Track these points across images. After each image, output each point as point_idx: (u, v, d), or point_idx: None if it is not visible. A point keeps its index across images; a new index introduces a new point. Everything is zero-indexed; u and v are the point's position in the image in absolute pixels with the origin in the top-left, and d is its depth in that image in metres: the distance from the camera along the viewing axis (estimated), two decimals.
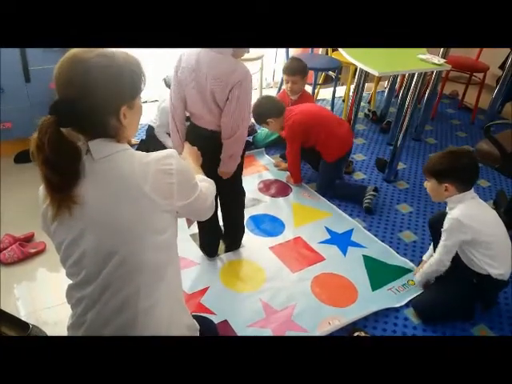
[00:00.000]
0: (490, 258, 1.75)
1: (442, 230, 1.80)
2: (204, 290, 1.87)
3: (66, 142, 0.91)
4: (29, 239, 2.07)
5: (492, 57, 3.84)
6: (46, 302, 1.78)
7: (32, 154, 0.92)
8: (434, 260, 1.84)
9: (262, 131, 3.04)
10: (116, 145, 0.98)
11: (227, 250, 2.12)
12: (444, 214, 1.86)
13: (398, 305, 1.88)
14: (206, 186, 1.20)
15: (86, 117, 0.92)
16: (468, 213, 1.75)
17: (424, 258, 2.05)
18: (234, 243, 2.13)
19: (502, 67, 3.76)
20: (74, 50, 0.92)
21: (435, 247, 1.99)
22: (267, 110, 2.54)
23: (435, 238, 2.00)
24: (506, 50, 3.60)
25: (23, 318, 1.63)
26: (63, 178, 0.91)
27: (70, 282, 1.04)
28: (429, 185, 1.86)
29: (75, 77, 0.90)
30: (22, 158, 2.61)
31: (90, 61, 0.90)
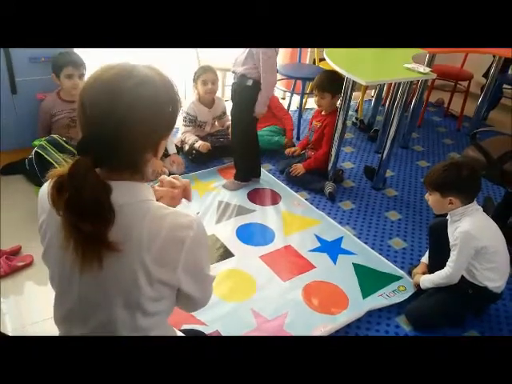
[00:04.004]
0: (491, 270, 1.75)
1: (452, 244, 1.78)
2: None
3: (104, 185, 0.81)
4: (16, 252, 2.04)
5: (476, 65, 3.91)
6: (33, 316, 1.75)
7: (52, 197, 0.81)
8: (445, 274, 1.80)
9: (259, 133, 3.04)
10: (136, 192, 0.88)
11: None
12: (445, 221, 1.86)
13: (389, 303, 1.91)
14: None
15: (124, 154, 0.83)
16: (477, 225, 1.74)
17: (423, 259, 2.06)
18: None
19: (485, 75, 3.83)
20: (106, 76, 0.81)
21: (432, 253, 2.00)
22: (339, 84, 2.60)
23: (433, 244, 2.00)
24: (489, 59, 3.67)
25: (10, 334, 1.60)
26: (100, 224, 0.80)
27: (53, 304, 1.01)
28: (431, 198, 1.84)
29: (116, 109, 0.80)
30: (8, 170, 2.58)
31: (133, 91, 0.81)
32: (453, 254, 1.78)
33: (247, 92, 2.40)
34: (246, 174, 2.71)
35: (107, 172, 0.84)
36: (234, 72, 2.43)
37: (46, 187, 0.89)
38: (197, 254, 0.91)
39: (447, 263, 1.80)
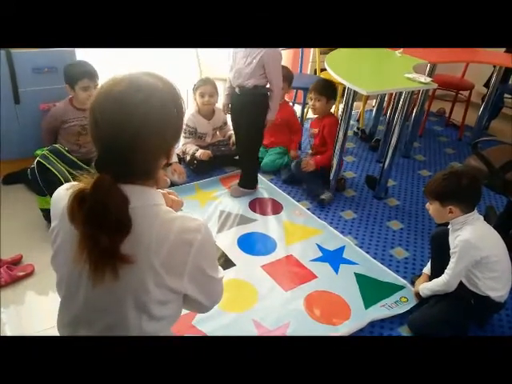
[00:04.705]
0: (493, 279, 1.73)
1: (451, 252, 1.78)
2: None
3: (125, 199, 0.83)
4: (16, 262, 2.03)
5: (477, 75, 3.93)
6: (34, 326, 1.74)
7: (72, 210, 0.83)
8: (443, 281, 1.80)
9: (269, 158, 3.05)
10: (148, 196, 0.90)
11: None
12: (446, 231, 1.86)
13: (391, 314, 1.90)
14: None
15: (139, 165, 0.87)
16: (477, 234, 1.73)
17: (425, 270, 2.04)
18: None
19: (486, 85, 3.85)
20: (117, 91, 0.83)
21: (434, 262, 1.99)
22: (334, 90, 2.79)
23: (435, 253, 1.99)
24: (490, 69, 3.68)
25: None
26: (116, 237, 0.82)
27: (58, 309, 1.01)
28: (431, 207, 1.84)
29: (130, 123, 0.82)
30: (10, 179, 2.59)
31: (143, 104, 0.83)
32: (451, 262, 1.77)
33: (262, 101, 2.45)
34: (255, 181, 2.76)
35: (123, 180, 0.86)
36: (239, 86, 2.42)
37: (59, 193, 0.93)
38: (204, 257, 0.92)
39: (445, 270, 1.80)
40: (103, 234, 0.81)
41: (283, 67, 3.05)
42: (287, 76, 2.99)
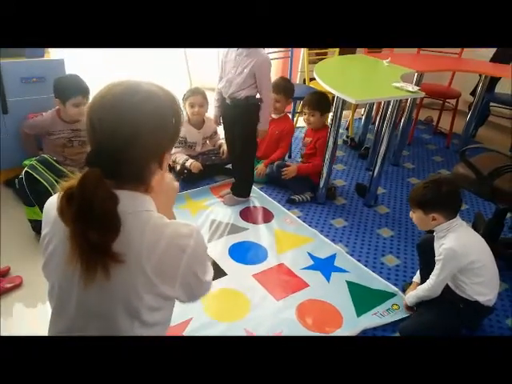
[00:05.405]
0: (480, 284, 1.75)
1: (436, 259, 1.79)
2: (187, 322, 1.82)
3: (113, 196, 0.83)
4: (4, 274, 2.00)
5: (463, 84, 3.99)
6: None
7: (61, 208, 0.83)
8: (427, 287, 1.82)
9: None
10: (139, 202, 0.90)
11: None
12: (432, 238, 1.87)
13: (383, 323, 1.90)
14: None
15: (130, 166, 0.87)
16: (462, 241, 1.75)
17: (414, 279, 2.06)
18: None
19: (473, 93, 3.91)
20: (114, 93, 0.84)
21: (422, 270, 2.00)
22: (327, 103, 2.83)
23: (423, 261, 2.01)
24: (476, 78, 3.74)
25: None
26: (107, 235, 0.82)
27: (50, 319, 0.99)
28: (415, 215, 1.86)
29: (125, 124, 0.83)
30: None
31: (140, 106, 0.84)
32: (436, 269, 1.79)
33: (255, 110, 2.46)
34: (250, 189, 2.77)
35: (113, 183, 0.86)
36: (230, 97, 2.42)
37: (52, 201, 0.93)
38: (197, 261, 0.93)
39: (430, 276, 1.82)
40: (92, 229, 0.81)
41: (284, 79, 3.08)
42: (286, 87, 2.99)
